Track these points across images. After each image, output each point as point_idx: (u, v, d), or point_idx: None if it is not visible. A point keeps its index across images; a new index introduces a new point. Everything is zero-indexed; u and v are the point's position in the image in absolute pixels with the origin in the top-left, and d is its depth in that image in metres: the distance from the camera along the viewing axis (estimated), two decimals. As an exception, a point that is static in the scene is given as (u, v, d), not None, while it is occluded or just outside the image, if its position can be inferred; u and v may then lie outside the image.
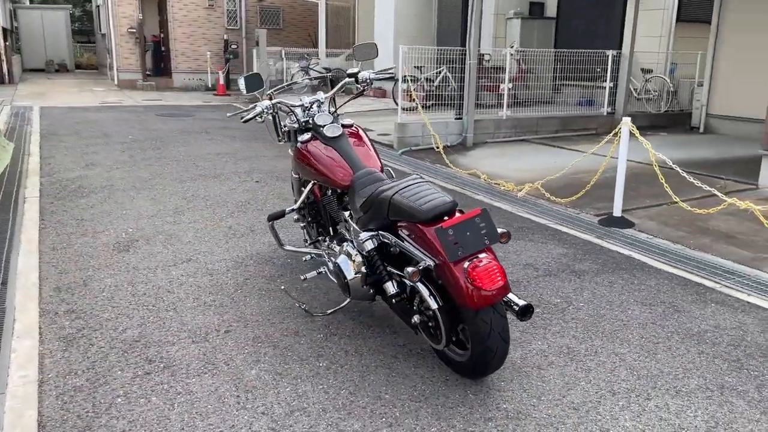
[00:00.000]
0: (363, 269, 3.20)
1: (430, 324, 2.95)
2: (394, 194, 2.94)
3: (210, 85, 18.60)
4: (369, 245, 3.08)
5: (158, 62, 19.74)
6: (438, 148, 9.04)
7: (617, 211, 5.69)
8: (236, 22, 19.61)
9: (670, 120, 11.94)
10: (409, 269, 2.71)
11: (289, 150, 4.06)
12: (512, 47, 11.32)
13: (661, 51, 12.29)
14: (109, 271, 4.32)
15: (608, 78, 11.01)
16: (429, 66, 11.99)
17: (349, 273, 3.23)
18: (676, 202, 5.95)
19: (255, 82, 3.80)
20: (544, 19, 14.39)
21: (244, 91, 3.77)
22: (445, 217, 2.76)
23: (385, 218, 2.99)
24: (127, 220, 5.49)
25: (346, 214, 3.45)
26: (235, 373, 3.06)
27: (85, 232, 5.14)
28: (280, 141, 4.02)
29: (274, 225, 3.96)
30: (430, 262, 2.69)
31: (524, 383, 3.01)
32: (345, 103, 4.12)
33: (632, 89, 11.75)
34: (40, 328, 3.49)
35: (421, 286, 2.84)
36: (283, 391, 2.90)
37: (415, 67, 11.29)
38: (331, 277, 3.54)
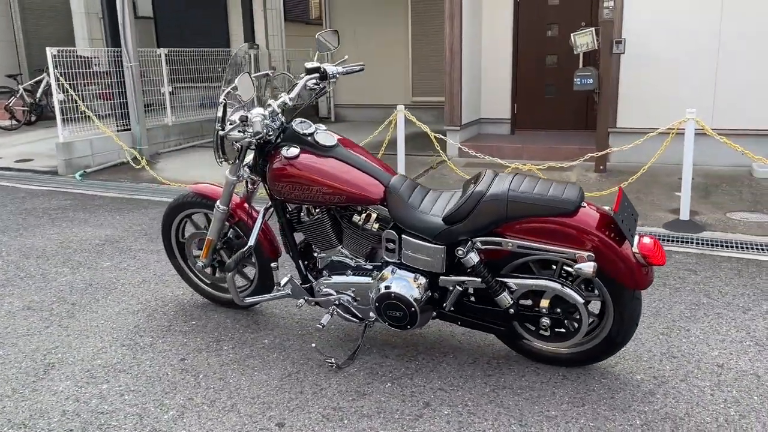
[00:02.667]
0: (426, 292, 2.90)
1: (552, 323, 2.84)
2: (508, 192, 2.70)
3: None
4: (474, 258, 2.76)
5: None
6: (129, 161, 7.90)
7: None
8: None
9: (300, 112, 12.78)
10: (584, 265, 2.58)
11: (240, 176, 3.24)
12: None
13: (277, 49, 13.00)
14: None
15: (249, 76, 11.16)
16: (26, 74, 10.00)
17: (416, 298, 2.86)
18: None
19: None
20: (139, 19, 13.47)
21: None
22: (584, 204, 2.71)
23: (497, 221, 2.73)
24: None
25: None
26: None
27: None
28: (226, 162, 3.17)
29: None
30: (583, 253, 2.61)
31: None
32: (305, 106, 3.39)
33: (261, 86, 12.11)
34: None
35: (559, 285, 2.73)
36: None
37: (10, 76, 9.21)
38: (350, 313, 3.07)
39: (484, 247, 2.77)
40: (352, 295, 3.07)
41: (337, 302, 3.11)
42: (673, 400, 2.72)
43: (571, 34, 7.20)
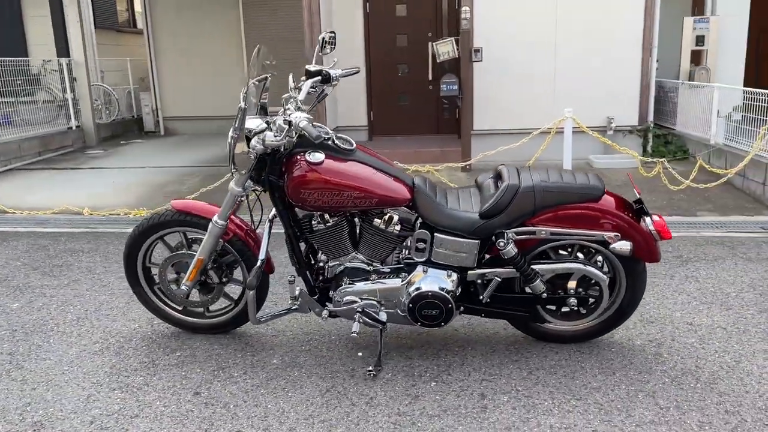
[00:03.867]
0: (458, 288, 3.00)
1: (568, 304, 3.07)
2: (538, 185, 2.87)
3: None
4: (513, 249, 2.89)
5: None
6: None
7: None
8: None
9: (123, 127, 11.81)
10: (620, 244, 2.84)
11: (247, 188, 3.00)
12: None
13: (90, 59, 11.87)
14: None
15: (68, 89, 10.11)
16: None
17: (452, 295, 2.95)
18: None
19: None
20: None
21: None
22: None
23: (532, 212, 2.88)
24: None
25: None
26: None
27: None
28: (237, 172, 2.92)
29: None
30: (610, 233, 2.88)
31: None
32: (312, 107, 3.15)
33: (69, 99, 10.76)
34: None
35: (588, 266, 2.97)
36: None
37: None
38: (373, 319, 3.04)
39: (517, 237, 2.93)
40: (379, 299, 3.03)
41: (360, 309, 3.04)
42: (678, 356, 3.11)
43: (434, 44, 7.66)
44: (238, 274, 3.36)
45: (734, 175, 6.12)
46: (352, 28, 8.85)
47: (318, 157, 2.88)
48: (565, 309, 3.12)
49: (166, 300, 3.46)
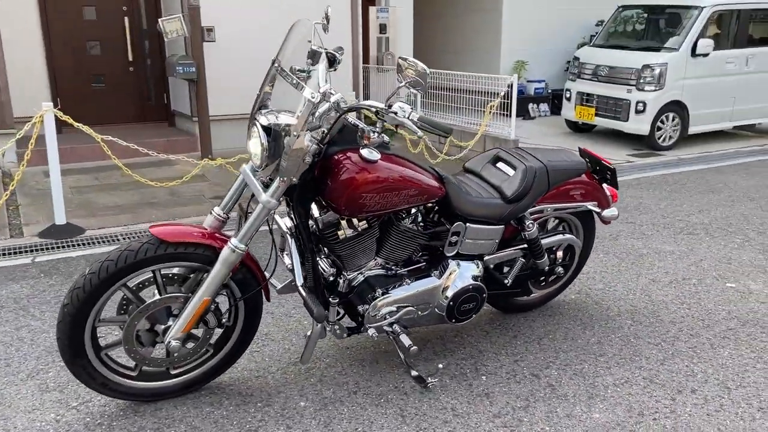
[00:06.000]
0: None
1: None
2: (546, 166, 2.99)
3: None
4: (536, 230, 2.98)
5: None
6: None
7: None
8: None
9: None
10: (609, 210, 3.15)
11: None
12: None
13: None
14: None
15: None
16: None
17: (483, 284, 2.94)
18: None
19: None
20: None
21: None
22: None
23: (545, 191, 2.98)
24: None
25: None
26: None
27: None
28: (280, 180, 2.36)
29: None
30: (594, 203, 3.22)
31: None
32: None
33: None
34: None
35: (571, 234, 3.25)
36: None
37: None
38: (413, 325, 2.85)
39: (532, 217, 3.05)
40: (416, 304, 2.79)
41: (398, 319, 2.75)
42: (677, 317, 3.67)
43: (160, 20, 6.73)
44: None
45: (472, 147, 7.12)
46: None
47: (375, 154, 2.47)
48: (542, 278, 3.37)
49: (118, 367, 2.51)
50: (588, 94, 8.61)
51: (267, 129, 2.35)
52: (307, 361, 2.61)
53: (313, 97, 2.22)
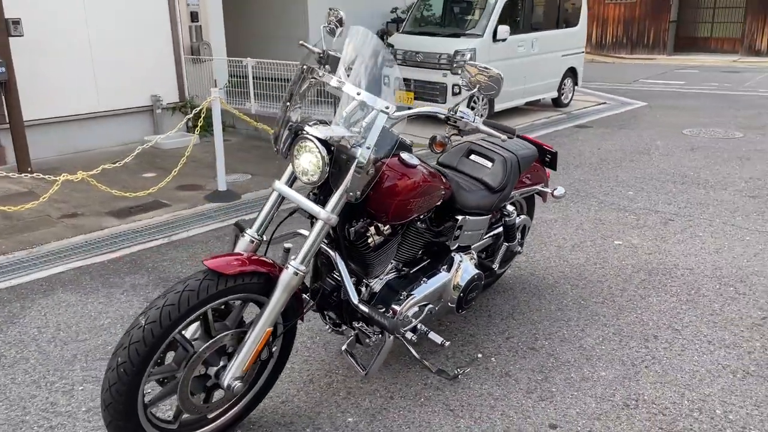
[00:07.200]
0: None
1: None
2: (516, 155, 3.18)
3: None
4: (515, 216, 3.18)
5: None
6: None
7: None
8: None
9: None
10: (559, 189, 3.44)
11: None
12: None
13: None
14: None
15: None
16: None
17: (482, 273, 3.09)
18: None
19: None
20: None
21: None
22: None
23: (517, 179, 3.18)
24: None
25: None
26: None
27: None
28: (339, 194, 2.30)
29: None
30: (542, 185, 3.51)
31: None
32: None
33: None
34: None
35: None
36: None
37: None
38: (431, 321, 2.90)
39: (503, 204, 3.26)
40: (433, 300, 2.84)
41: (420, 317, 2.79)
42: (599, 275, 4.06)
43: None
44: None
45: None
46: None
47: (415, 159, 2.46)
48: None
49: (159, 422, 2.21)
50: (406, 79, 9.08)
51: (323, 142, 2.21)
52: (373, 373, 2.54)
53: (387, 108, 2.15)
